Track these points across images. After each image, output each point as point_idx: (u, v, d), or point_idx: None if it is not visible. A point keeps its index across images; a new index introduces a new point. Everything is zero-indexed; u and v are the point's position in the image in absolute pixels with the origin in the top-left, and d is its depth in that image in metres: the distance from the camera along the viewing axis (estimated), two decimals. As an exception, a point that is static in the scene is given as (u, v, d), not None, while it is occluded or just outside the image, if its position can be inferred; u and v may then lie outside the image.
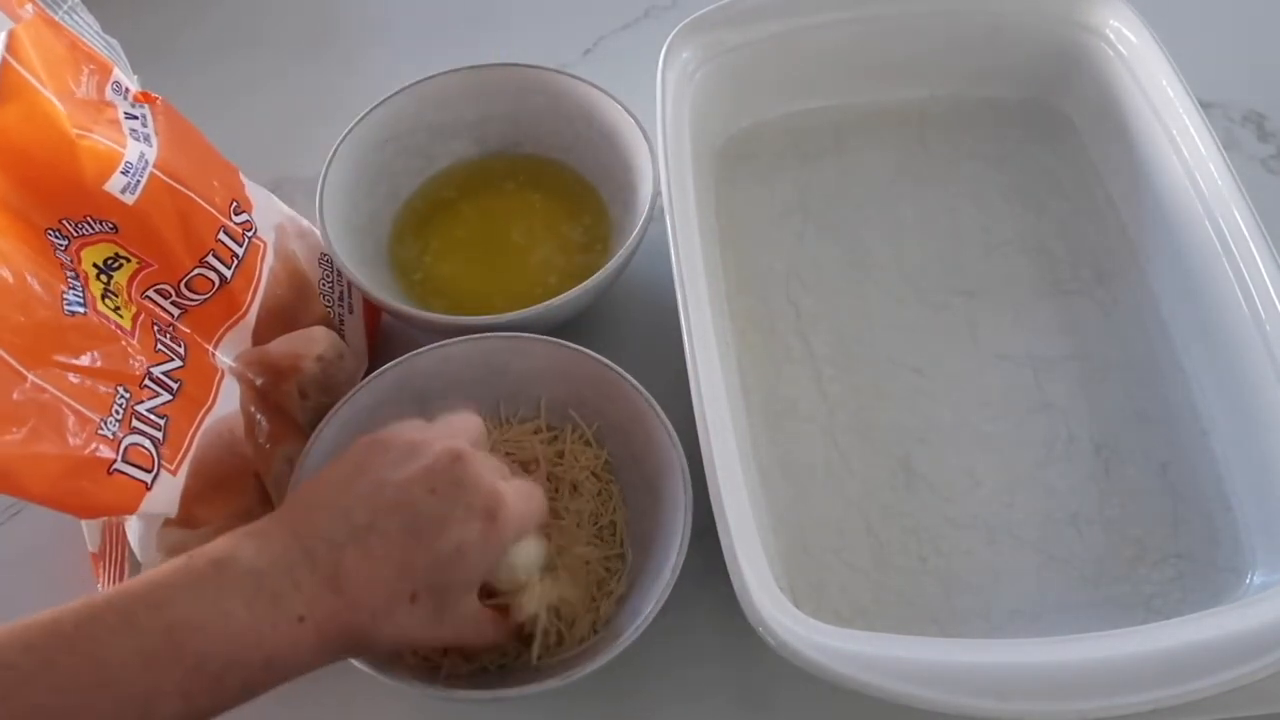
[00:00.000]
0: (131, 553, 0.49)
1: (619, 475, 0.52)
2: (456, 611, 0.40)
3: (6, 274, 0.41)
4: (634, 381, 0.50)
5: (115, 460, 0.43)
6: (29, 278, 0.42)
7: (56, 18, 0.47)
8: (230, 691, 0.34)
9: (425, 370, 0.52)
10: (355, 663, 0.41)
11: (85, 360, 0.43)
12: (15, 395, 0.40)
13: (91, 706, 0.32)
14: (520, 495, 0.42)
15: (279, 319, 0.53)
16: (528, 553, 0.44)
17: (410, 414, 0.45)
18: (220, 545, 0.36)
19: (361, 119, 0.61)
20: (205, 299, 0.49)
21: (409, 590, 0.38)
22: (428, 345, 0.52)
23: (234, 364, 0.51)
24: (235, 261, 0.50)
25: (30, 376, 0.40)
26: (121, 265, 0.46)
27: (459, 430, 0.44)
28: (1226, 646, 0.40)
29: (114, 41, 0.51)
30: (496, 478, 0.42)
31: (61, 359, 0.42)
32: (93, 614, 0.33)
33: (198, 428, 0.47)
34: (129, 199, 0.45)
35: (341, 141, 0.60)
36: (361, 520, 0.38)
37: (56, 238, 0.44)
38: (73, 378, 0.42)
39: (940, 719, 0.39)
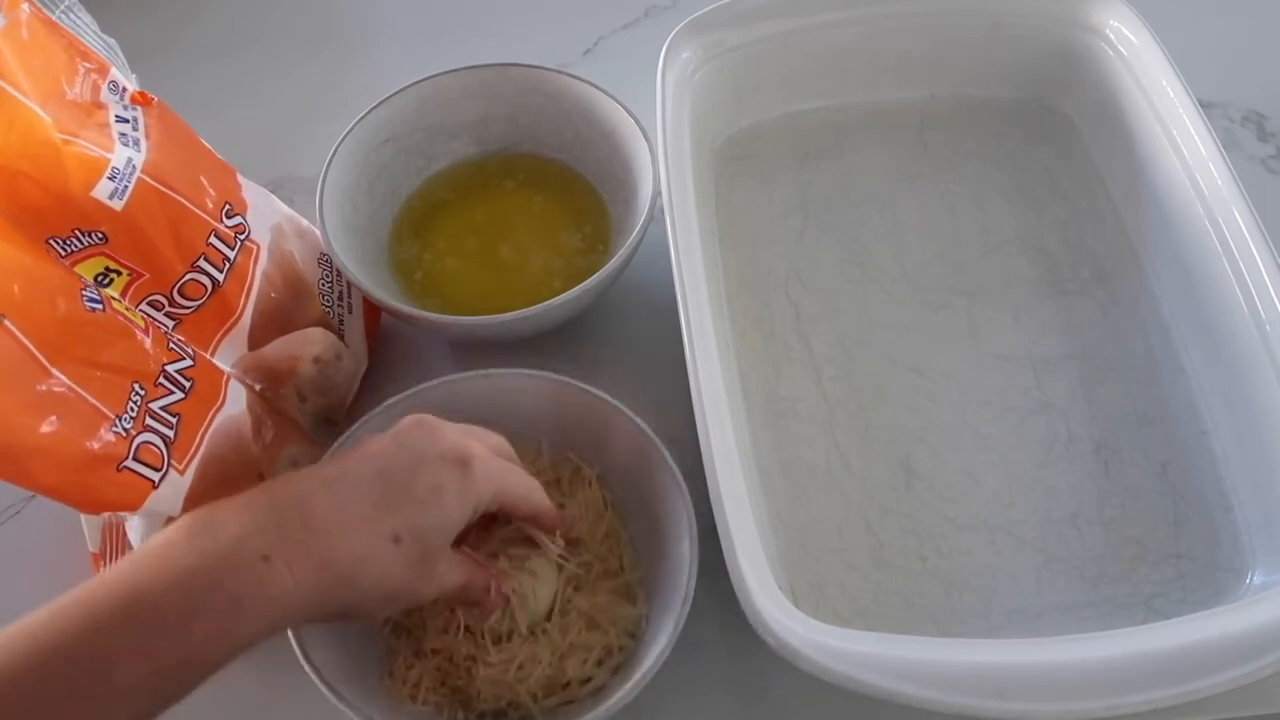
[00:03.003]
0: (132, 552, 0.49)
1: (626, 520, 0.51)
2: (431, 559, 0.39)
3: (32, 266, 0.41)
4: (639, 422, 0.49)
5: (126, 458, 0.43)
6: (51, 274, 0.42)
7: (53, 17, 0.47)
8: (200, 643, 0.33)
9: (428, 406, 0.50)
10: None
11: (105, 355, 0.43)
12: (39, 388, 0.40)
13: (47, 677, 0.31)
14: (501, 461, 0.43)
15: (275, 322, 0.53)
16: (540, 592, 0.45)
17: None
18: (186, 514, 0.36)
19: (361, 119, 0.61)
20: (198, 304, 0.49)
21: (389, 530, 0.38)
22: (431, 381, 0.51)
23: (232, 370, 0.51)
24: (227, 265, 0.50)
25: (54, 371, 0.41)
26: (113, 280, 0.46)
27: (474, 433, 0.44)
28: (1226, 646, 0.40)
29: (112, 41, 0.51)
30: (468, 437, 0.42)
31: (83, 354, 0.42)
32: (60, 603, 0.33)
33: (208, 426, 0.47)
34: (117, 205, 0.45)
35: (341, 141, 0.60)
36: (332, 473, 0.39)
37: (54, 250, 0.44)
38: (93, 372, 0.42)
39: (940, 719, 0.39)
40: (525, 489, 0.44)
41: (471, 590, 0.42)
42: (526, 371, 0.52)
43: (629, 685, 0.43)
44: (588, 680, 0.46)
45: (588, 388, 0.51)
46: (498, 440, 0.45)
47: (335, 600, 0.37)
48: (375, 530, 0.38)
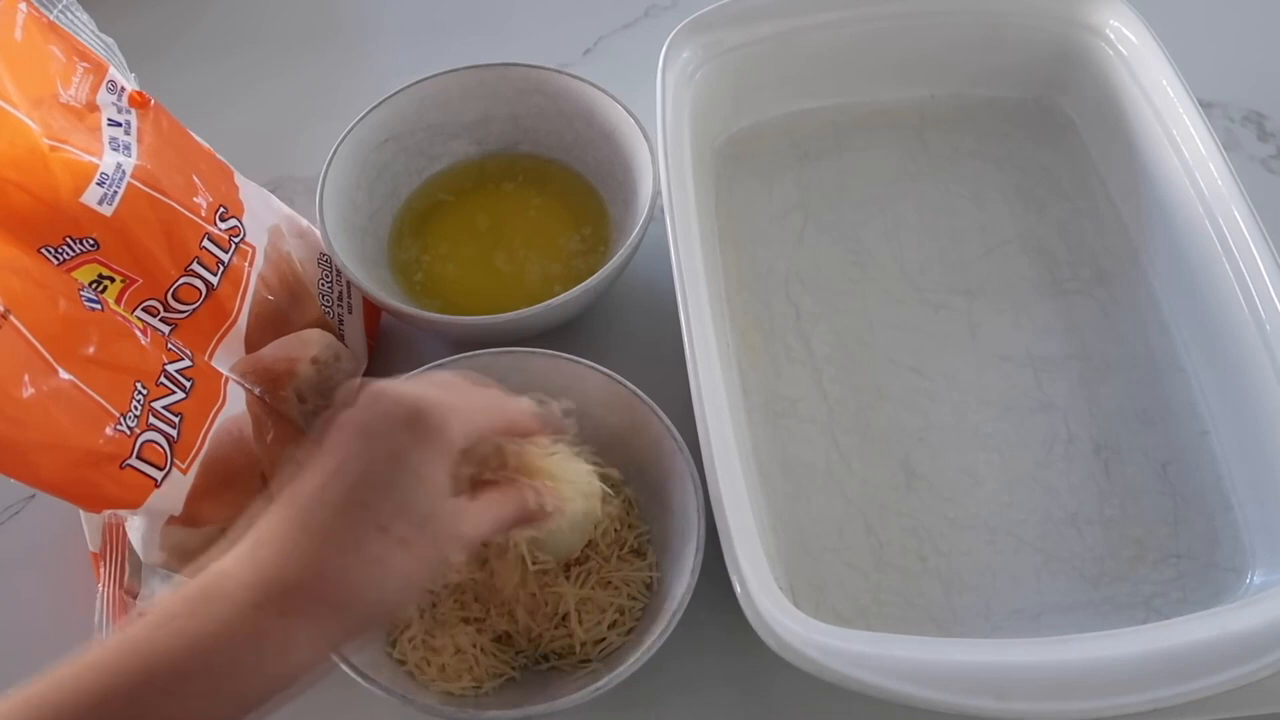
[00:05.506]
0: (132, 552, 0.49)
1: (627, 485, 0.52)
2: (434, 526, 0.36)
3: (31, 266, 0.41)
4: (635, 388, 0.50)
5: (130, 456, 0.43)
6: (50, 274, 0.42)
7: (51, 16, 0.47)
8: (225, 706, 0.33)
9: None
10: (379, 691, 0.41)
11: (107, 353, 0.43)
12: (45, 386, 0.40)
13: None
14: (461, 397, 0.38)
15: (271, 324, 0.53)
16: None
17: None
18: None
19: (361, 119, 0.61)
20: (193, 308, 0.49)
21: (371, 523, 0.34)
22: (423, 366, 0.51)
23: (229, 373, 0.51)
24: (221, 268, 0.50)
25: (59, 367, 0.41)
26: (107, 286, 0.46)
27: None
28: (1226, 646, 0.40)
29: (110, 40, 0.51)
30: (419, 387, 0.37)
31: (86, 352, 0.42)
32: (75, 667, 0.32)
33: (210, 426, 0.48)
34: (107, 210, 0.45)
35: (341, 141, 0.60)
36: (302, 497, 0.35)
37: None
38: (97, 370, 0.42)
39: (940, 718, 0.39)
40: (498, 416, 0.40)
41: (514, 521, 0.40)
42: (513, 350, 0.51)
43: (658, 630, 0.43)
44: (600, 641, 0.47)
45: (577, 358, 0.51)
46: (462, 379, 0.41)
47: (355, 624, 0.35)
48: (356, 537, 0.35)
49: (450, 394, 0.38)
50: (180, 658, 0.32)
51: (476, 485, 0.40)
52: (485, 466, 0.42)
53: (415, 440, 0.36)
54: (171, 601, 0.34)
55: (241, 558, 0.35)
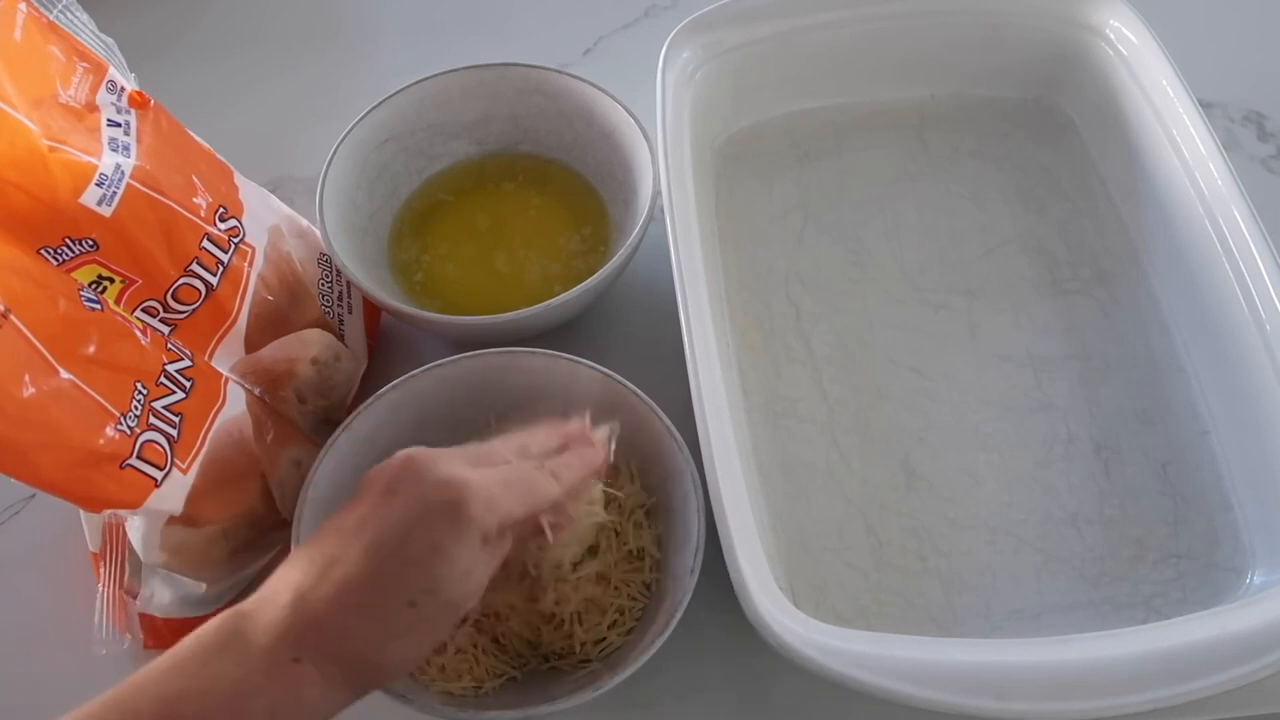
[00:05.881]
0: (132, 552, 0.49)
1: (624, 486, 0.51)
2: (458, 599, 0.37)
3: (31, 266, 0.41)
4: (635, 389, 0.50)
5: (130, 456, 0.43)
6: (49, 274, 0.42)
7: (51, 16, 0.47)
8: None
9: (421, 391, 0.51)
10: (379, 691, 0.41)
11: (107, 353, 0.43)
12: (46, 386, 0.40)
13: None
14: (497, 479, 0.39)
15: (271, 324, 0.53)
16: (568, 541, 0.44)
17: (409, 437, 0.43)
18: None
19: (361, 119, 0.61)
20: (193, 309, 0.49)
21: (401, 600, 0.36)
22: (423, 366, 0.51)
23: (229, 373, 0.51)
24: (220, 268, 0.50)
25: (59, 367, 0.41)
26: (106, 287, 0.46)
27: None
28: (1226, 646, 0.40)
29: (110, 40, 0.51)
30: (458, 466, 0.39)
31: (86, 351, 0.42)
32: (96, 706, 0.33)
33: (210, 426, 0.48)
34: (105, 211, 0.45)
35: (341, 141, 0.60)
36: (326, 557, 0.37)
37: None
38: (97, 370, 0.43)
39: (940, 718, 0.39)
40: (533, 501, 0.40)
41: (528, 534, 0.41)
42: (513, 350, 0.52)
43: (658, 630, 0.43)
44: (601, 641, 0.47)
45: (576, 358, 0.51)
46: (515, 443, 0.42)
47: (366, 684, 0.36)
48: (386, 609, 0.36)
49: (490, 476, 0.39)
50: (197, 700, 0.33)
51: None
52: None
53: (452, 529, 0.37)
54: (190, 642, 0.34)
55: (263, 601, 0.35)
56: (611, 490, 0.47)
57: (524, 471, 0.41)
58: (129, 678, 0.34)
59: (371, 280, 0.57)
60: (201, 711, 0.33)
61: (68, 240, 0.44)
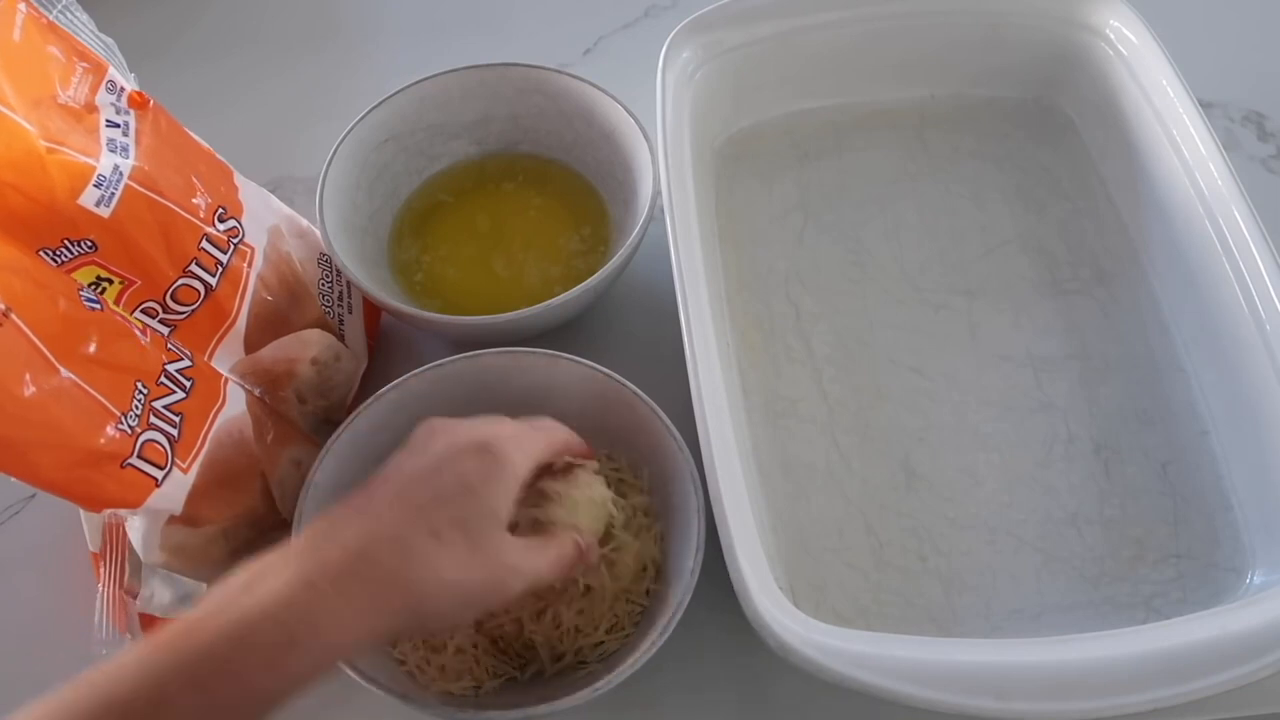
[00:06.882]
0: (132, 552, 0.49)
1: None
2: (490, 548, 0.38)
3: (31, 266, 0.41)
4: (635, 388, 0.50)
5: (130, 455, 0.43)
6: (49, 274, 0.42)
7: (51, 17, 0.47)
8: (256, 679, 0.33)
9: (421, 391, 0.51)
10: (379, 691, 0.42)
11: (108, 353, 0.43)
12: (46, 385, 0.40)
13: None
14: (519, 432, 0.42)
15: (271, 324, 0.53)
16: (587, 494, 0.44)
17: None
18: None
19: (361, 119, 0.61)
20: (192, 309, 0.49)
21: (424, 529, 0.37)
22: (423, 366, 0.51)
23: (229, 374, 0.51)
24: (220, 269, 0.50)
25: (60, 366, 0.41)
26: (105, 288, 0.46)
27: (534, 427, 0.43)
28: (1226, 646, 0.40)
29: (109, 40, 0.51)
30: (482, 425, 0.41)
31: (87, 351, 0.42)
32: (117, 659, 0.33)
33: (211, 426, 0.48)
34: (104, 212, 0.45)
35: (341, 141, 0.60)
36: (359, 501, 0.38)
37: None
38: (98, 370, 0.43)
39: (940, 718, 0.39)
40: (554, 444, 0.43)
41: (560, 571, 0.42)
42: (513, 350, 0.52)
43: (658, 630, 0.43)
44: (598, 645, 0.47)
45: (576, 358, 0.51)
46: (514, 424, 0.44)
47: (398, 614, 0.36)
48: (411, 535, 0.37)
49: (506, 427, 0.42)
50: (235, 631, 0.33)
51: (524, 528, 0.43)
52: (530, 501, 0.44)
53: (482, 467, 0.39)
54: (221, 588, 0.35)
55: (289, 547, 0.36)
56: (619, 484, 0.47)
57: (538, 425, 0.44)
58: (165, 626, 0.35)
59: (371, 280, 0.57)
60: (237, 641, 0.33)
61: (66, 242, 0.44)
